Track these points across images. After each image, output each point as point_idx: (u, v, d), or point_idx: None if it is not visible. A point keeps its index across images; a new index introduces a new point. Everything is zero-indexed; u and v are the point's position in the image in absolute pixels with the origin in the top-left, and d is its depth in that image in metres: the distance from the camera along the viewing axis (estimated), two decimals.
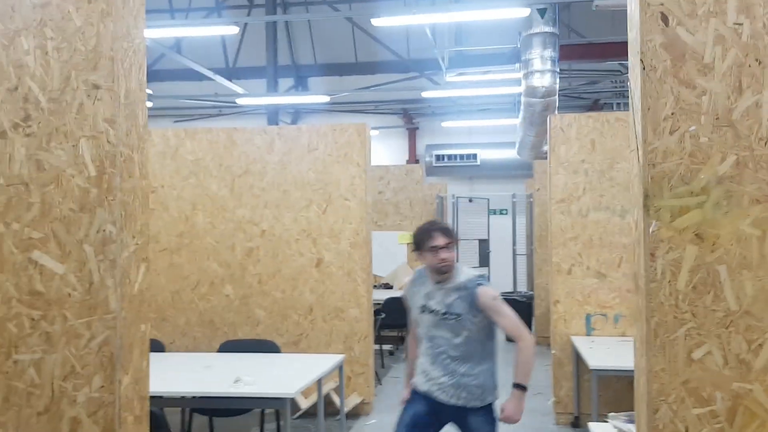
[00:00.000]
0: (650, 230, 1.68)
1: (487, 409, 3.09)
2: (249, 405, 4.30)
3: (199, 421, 4.75)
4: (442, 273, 3.08)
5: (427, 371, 3.13)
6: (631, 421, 2.62)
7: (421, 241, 3.12)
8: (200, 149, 5.51)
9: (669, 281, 1.67)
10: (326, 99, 10.59)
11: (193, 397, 4.09)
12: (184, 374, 4.13)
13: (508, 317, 3.04)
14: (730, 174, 1.65)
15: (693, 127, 1.67)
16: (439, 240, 3.07)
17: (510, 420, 3.01)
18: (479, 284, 3.05)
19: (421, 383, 3.15)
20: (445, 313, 3.06)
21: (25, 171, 1.97)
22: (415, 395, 3.18)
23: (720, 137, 1.66)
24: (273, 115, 12.04)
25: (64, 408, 1.94)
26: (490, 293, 3.05)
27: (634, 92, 1.77)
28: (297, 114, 14.16)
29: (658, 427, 1.68)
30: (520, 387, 3.01)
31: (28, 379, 1.95)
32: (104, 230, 1.94)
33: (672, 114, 1.67)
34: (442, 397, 3.07)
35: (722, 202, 1.65)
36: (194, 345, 5.38)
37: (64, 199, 1.96)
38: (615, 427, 2.70)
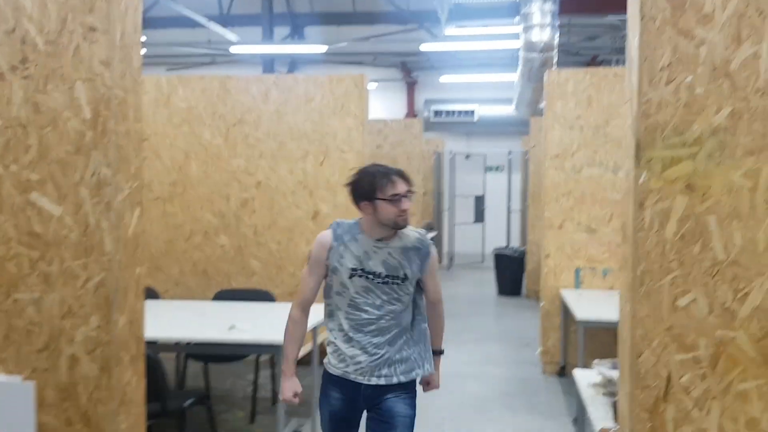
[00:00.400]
0: (639, 181, 1.70)
1: (409, 387, 2.61)
2: (244, 351, 4.38)
3: (194, 367, 4.83)
4: (398, 228, 2.53)
5: (340, 351, 2.59)
6: (616, 368, 2.69)
7: (374, 188, 2.47)
8: (193, 97, 5.44)
9: (657, 231, 1.70)
10: (323, 49, 10.41)
11: (188, 343, 4.15)
12: (179, 320, 4.18)
13: (438, 280, 2.72)
14: (724, 125, 1.66)
15: (690, 78, 1.67)
16: (401, 186, 2.48)
17: (434, 389, 2.77)
18: (430, 244, 2.66)
19: (334, 366, 2.62)
20: (386, 276, 2.53)
21: (23, 113, 1.97)
22: (327, 385, 2.65)
23: (716, 88, 1.66)
24: (268, 65, 11.86)
25: (62, 346, 1.98)
26: (436, 253, 2.70)
27: (632, 42, 1.76)
28: (293, 64, 13.96)
29: (641, 371, 1.72)
30: (440, 353, 2.75)
31: (28, 317, 1.99)
32: (99, 173, 1.95)
33: (669, 64, 1.67)
34: (360, 378, 2.56)
35: (715, 153, 1.66)
36: (188, 294, 5.41)
37: (60, 142, 1.96)
38: (599, 372, 2.77)
